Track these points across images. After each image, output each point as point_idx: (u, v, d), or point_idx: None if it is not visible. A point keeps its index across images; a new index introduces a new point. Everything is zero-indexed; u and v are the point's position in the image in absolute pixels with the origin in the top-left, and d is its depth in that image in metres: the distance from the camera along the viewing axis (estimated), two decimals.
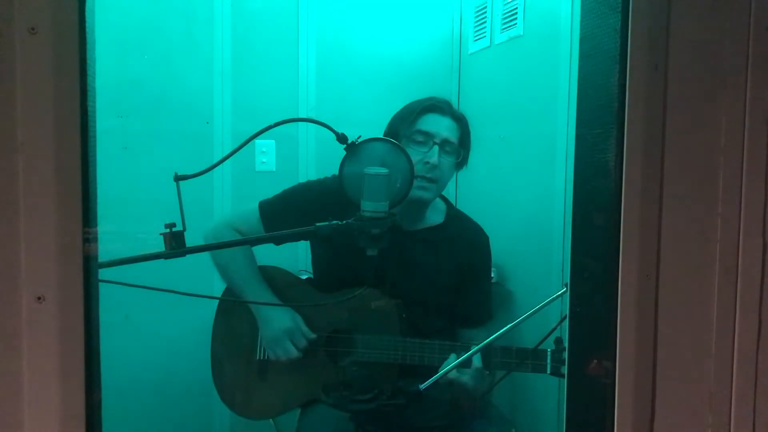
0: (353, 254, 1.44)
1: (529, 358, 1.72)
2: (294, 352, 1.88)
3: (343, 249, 1.73)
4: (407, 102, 2.05)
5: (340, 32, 2.69)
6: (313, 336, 1.89)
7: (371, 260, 1.41)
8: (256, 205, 1.98)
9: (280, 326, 1.88)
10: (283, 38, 2.63)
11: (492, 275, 2.36)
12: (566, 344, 1.31)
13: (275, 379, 1.95)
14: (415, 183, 1.84)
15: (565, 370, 1.66)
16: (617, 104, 1.06)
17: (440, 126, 1.91)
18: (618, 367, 1.08)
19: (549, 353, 1.70)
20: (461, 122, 1.97)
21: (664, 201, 1.07)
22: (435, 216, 2.03)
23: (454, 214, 2.08)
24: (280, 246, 1.99)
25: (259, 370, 1.96)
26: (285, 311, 1.90)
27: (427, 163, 1.86)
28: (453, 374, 1.68)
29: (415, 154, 1.83)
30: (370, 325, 1.89)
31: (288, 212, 1.94)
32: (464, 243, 2.02)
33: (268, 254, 2.04)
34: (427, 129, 1.90)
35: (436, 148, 1.88)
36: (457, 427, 1.84)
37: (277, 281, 1.96)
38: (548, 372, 1.71)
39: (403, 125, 1.91)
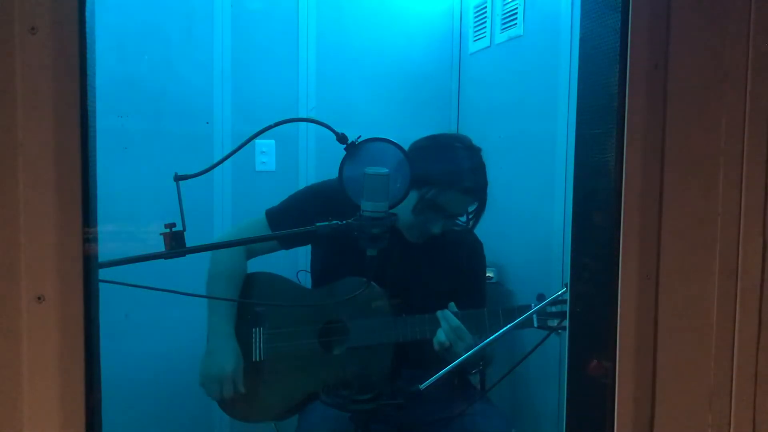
0: (352, 254, 1.44)
1: (515, 315, 1.74)
2: (217, 397, 1.87)
3: (343, 249, 1.73)
4: (407, 102, 2.04)
5: (340, 32, 2.69)
6: (241, 391, 1.87)
7: (371, 260, 1.42)
8: (262, 215, 1.99)
9: (220, 366, 1.86)
10: (283, 38, 2.63)
11: (492, 275, 2.37)
12: (566, 344, 1.31)
13: (273, 382, 1.94)
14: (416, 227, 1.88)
15: (553, 323, 1.68)
16: (617, 104, 1.06)
17: (459, 205, 1.90)
18: (618, 367, 1.08)
19: (533, 306, 1.71)
20: (481, 198, 1.93)
21: (664, 201, 1.07)
22: None
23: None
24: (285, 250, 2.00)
25: (256, 373, 1.96)
26: (233, 353, 1.87)
27: (430, 230, 1.90)
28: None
29: (423, 214, 1.86)
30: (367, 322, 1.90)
31: (295, 216, 1.94)
32: (460, 251, 2.04)
33: (271, 256, 2.05)
34: (446, 206, 1.87)
35: (441, 223, 1.89)
36: (457, 426, 1.84)
37: (271, 286, 1.97)
38: (535, 325, 1.72)
39: (429, 189, 1.84)
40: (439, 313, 1.79)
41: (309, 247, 2.17)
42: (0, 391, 0.90)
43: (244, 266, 1.99)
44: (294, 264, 2.21)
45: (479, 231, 2.17)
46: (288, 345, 1.92)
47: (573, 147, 1.20)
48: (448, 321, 1.77)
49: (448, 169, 1.88)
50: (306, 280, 2.12)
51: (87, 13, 0.90)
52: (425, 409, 1.82)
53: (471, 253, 2.07)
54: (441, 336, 1.76)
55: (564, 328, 1.61)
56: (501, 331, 1.63)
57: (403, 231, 1.94)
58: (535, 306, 1.71)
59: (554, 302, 1.68)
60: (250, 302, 1.95)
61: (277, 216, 1.98)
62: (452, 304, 1.82)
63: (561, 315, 1.68)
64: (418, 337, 1.82)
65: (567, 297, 1.23)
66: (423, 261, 1.98)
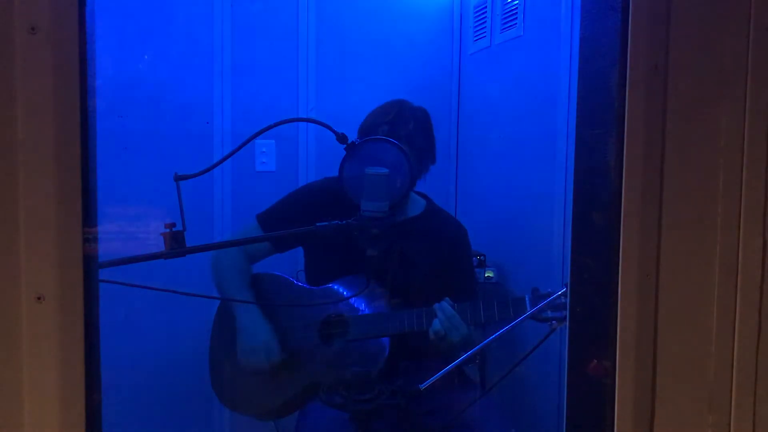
0: (347, 253, 1.45)
1: (510, 306, 1.76)
2: (264, 366, 1.90)
3: (337, 248, 1.73)
4: None
5: (340, 32, 2.69)
6: (277, 359, 1.91)
7: (371, 260, 1.42)
8: (253, 220, 2.01)
9: (252, 338, 1.91)
10: (283, 38, 2.63)
11: (492, 275, 2.37)
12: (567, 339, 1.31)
13: (273, 376, 1.95)
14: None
15: (547, 314, 1.69)
16: (617, 104, 1.06)
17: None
18: (618, 367, 1.08)
19: (527, 299, 1.74)
20: (417, 148, 1.95)
21: (664, 201, 1.07)
22: (414, 209, 2.08)
23: (432, 209, 2.12)
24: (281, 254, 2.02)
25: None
26: (264, 325, 1.92)
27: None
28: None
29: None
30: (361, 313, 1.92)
31: (284, 217, 1.97)
32: (442, 233, 2.07)
33: (271, 257, 2.05)
34: None
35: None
36: (457, 424, 1.85)
37: (274, 287, 1.98)
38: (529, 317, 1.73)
39: None
40: (436, 305, 1.81)
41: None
42: (0, 391, 0.90)
43: (248, 268, 2.01)
44: (294, 264, 2.22)
45: (481, 229, 2.17)
46: (286, 339, 1.93)
47: (573, 147, 1.20)
48: (443, 311, 1.78)
49: (381, 121, 1.96)
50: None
51: (87, 13, 0.90)
52: (425, 406, 1.83)
53: (450, 233, 2.09)
54: (436, 325, 1.78)
55: (560, 321, 1.61)
56: (498, 333, 1.63)
57: None
58: (530, 300, 1.73)
59: (550, 301, 1.68)
60: (250, 302, 1.95)
61: (267, 218, 2.01)
62: (448, 298, 1.84)
63: (556, 308, 1.68)
64: (415, 329, 1.84)
65: (564, 295, 1.23)
66: (402, 242, 1.99)
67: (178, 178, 1.34)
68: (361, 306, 1.92)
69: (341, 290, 1.94)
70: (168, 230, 1.29)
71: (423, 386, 1.50)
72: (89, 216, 0.91)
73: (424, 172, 2.05)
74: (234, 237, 2.11)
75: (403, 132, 1.95)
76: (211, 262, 2.02)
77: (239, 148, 1.41)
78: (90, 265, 0.91)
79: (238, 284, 1.98)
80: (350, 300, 1.92)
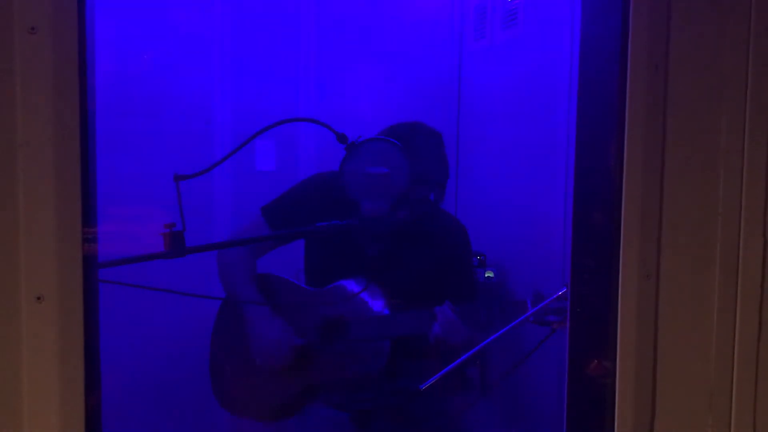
0: (348, 251, 1.45)
1: (511, 310, 1.75)
2: (282, 360, 1.89)
3: (339, 246, 1.73)
4: (407, 102, 2.05)
5: (340, 32, 2.69)
6: (300, 342, 1.90)
7: (372, 260, 1.42)
8: (258, 214, 2.00)
9: (270, 334, 1.89)
10: (283, 38, 2.63)
11: (492, 275, 2.37)
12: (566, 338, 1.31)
13: (272, 377, 1.95)
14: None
15: (549, 318, 1.68)
16: (618, 104, 1.06)
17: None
18: (618, 367, 1.08)
19: (528, 303, 1.72)
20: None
21: (664, 201, 1.07)
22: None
23: (431, 210, 2.10)
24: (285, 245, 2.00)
25: (259, 371, 1.96)
26: (276, 320, 1.91)
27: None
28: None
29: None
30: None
31: (290, 209, 1.94)
32: (441, 233, 2.05)
33: (272, 255, 2.05)
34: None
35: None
36: (456, 423, 1.85)
37: (276, 288, 1.98)
38: (530, 320, 1.73)
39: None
40: (437, 309, 1.81)
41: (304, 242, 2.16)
42: (0, 390, 0.90)
43: (253, 263, 2.00)
44: (294, 263, 2.21)
45: (481, 229, 2.17)
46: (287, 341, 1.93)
47: (573, 147, 1.20)
48: (444, 315, 1.78)
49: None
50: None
51: (87, 13, 0.90)
52: (424, 406, 1.83)
53: (449, 232, 2.07)
54: (437, 329, 1.78)
55: (561, 324, 1.61)
56: (498, 333, 1.63)
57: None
58: (531, 304, 1.72)
59: (551, 302, 1.68)
60: (251, 302, 1.95)
61: (272, 211, 1.98)
62: (449, 302, 1.84)
63: (558, 311, 1.68)
64: (416, 332, 1.84)
65: (564, 295, 1.23)
66: (400, 242, 1.98)
67: (178, 178, 1.34)
68: (362, 307, 1.92)
69: (342, 292, 1.94)
70: (168, 230, 1.30)
71: (423, 386, 1.50)
72: (89, 216, 0.91)
73: (441, 194, 2.00)
74: (238, 232, 2.09)
75: (414, 155, 1.92)
76: (216, 260, 2.02)
77: (239, 148, 1.41)
78: (90, 265, 0.92)
79: (242, 281, 1.97)
80: (351, 301, 1.92)
